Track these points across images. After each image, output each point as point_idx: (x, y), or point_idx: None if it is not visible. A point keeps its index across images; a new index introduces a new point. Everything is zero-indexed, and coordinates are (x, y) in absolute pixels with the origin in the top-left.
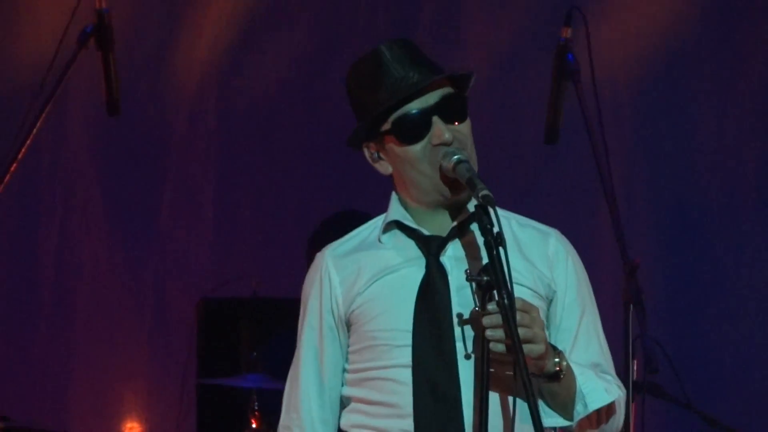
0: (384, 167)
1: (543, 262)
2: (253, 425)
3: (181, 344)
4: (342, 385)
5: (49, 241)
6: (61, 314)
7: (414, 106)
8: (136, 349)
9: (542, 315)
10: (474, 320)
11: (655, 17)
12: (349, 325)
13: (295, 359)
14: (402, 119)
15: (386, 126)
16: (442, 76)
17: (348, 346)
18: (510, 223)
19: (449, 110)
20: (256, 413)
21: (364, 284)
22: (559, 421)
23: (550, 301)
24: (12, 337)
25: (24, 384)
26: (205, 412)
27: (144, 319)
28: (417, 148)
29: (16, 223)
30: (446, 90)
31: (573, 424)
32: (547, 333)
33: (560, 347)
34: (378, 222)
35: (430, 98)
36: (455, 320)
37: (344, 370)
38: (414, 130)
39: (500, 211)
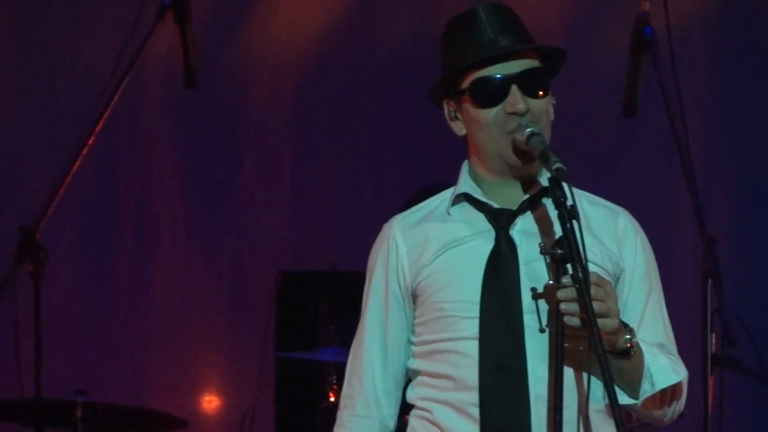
0: (458, 127)
1: (612, 239)
2: (331, 399)
3: (259, 318)
4: (408, 358)
5: (128, 215)
6: (139, 288)
7: (496, 71)
8: (215, 322)
9: None
10: (548, 294)
11: None
12: (415, 296)
13: (359, 329)
14: (481, 81)
15: (465, 84)
16: (529, 45)
17: (414, 318)
18: (580, 200)
19: (530, 82)
20: (334, 387)
21: (431, 256)
22: (625, 399)
23: (617, 279)
24: (90, 311)
25: (102, 359)
26: (283, 386)
27: (222, 293)
28: (490, 112)
29: (94, 197)
30: (532, 62)
31: (638, 402)
32: None
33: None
34: (446, 194)
35: (514, 66)
36: (523, 293)
37: (410, 342)
38: (490, 94)
39: (566, 188)
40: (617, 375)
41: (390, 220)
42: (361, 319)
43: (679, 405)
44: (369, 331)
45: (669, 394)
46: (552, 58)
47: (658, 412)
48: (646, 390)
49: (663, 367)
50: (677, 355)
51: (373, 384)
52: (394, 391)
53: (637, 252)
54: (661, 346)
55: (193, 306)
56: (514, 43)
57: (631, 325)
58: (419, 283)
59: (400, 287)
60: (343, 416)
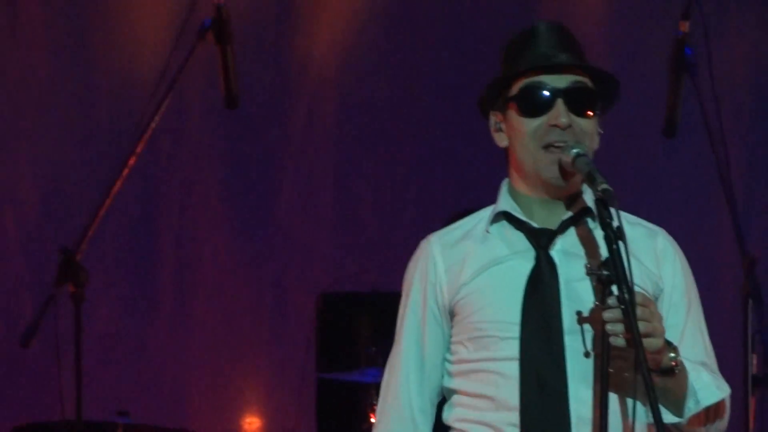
0: (501, 138)
1: (651, 259)
2: (372, 420)
3: (300, 339)
4: (443, 376)
5: (169, 236)
6: (180, 309)
7: (545, 81)
8: (256, 343)
9: None
10: (593, 316)
11: None
12: (452, 314)
13: (395, 345)
14: (528, 89)
15: (513, 92)
16: (583, 64)
17: (450, 336)
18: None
19: (577, 99)
20: (375, 408)
21: (470, 275)
22: (670, 418)
23: (656, 299)
24: (131, 332)
25: (144, 379)
26: (324, 407)
27: (263, 314)
28: (532, 123)
29: (135, 218)
30: (583, 81)
31: (683, 420)
32: None
33: None
34: (485, 213)
35: (564, 81)
36: (564, 314)
37: (446, 361)
38: (536, 103)
39: (612, 210)
40: (661, 393)
41: (428, 237)
42: (397, 335)
43: (723, 423)
44: (405, 347)
45: (713, 411)
46: (604, 84)
47: (701, 430)
48: (691, 408)
49: (707, 385)
50: (719, 373)
51: (409, 401)
52: (429, 408)
53: (676, 271)
54: (702, 364)
55: (234, 327)
56: (569, 60)
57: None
58: (457, 301)
59: (437, 304)
60: None
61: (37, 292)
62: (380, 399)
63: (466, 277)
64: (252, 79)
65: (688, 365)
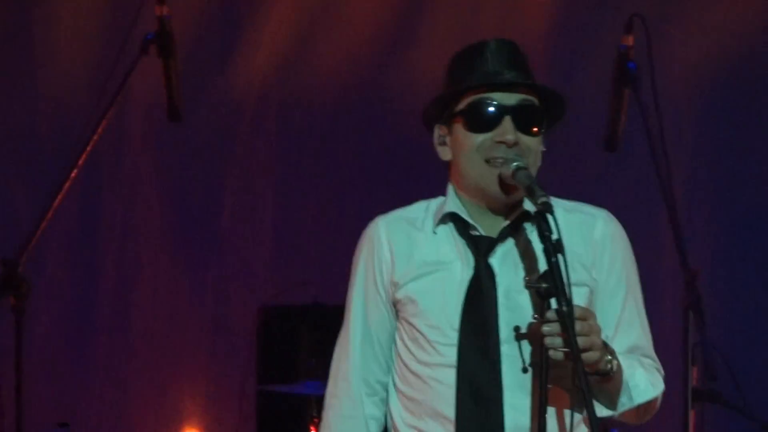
0: (445, 152)
1: (587, 247)
2: None
3: (240, 351)
4: (393, 353)
5: (110, 248)
6: (120, 320)
7: (494, 98)
8: (196, 355)
9: (584, 301)
10: (532, 329)
11: (717, 25)
12: (395, 305)
13: (343, 327)
14: (477, 105)
15: (461, 106)
16: (533, 83)
17: (396, 320)
18: (556, 209)
19: (524, 117)
20: (315, 420)
21: (414, 275)
22: (604, 412)
23: (591, 289)
24: (71, 343)
25: (84, 391)
26: (264, 419)
27: (204, 326)
28: (479, 138)
29: (76, 230)
30: (531, 100)
31: (616, 414)
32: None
33: (603, 330)
34: (432, 206)
35: (512, 98)
36: (501, 322)
37: (393, 351)
38: (483, 119)
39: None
40: (596, 391)
41: (375, 220)
42: (345, 317)
43: (655, 409)
44: (352, 328)
45: (644, 406)
46: (551, 102)
47: (633, 421)
48: (624, 403)
49: (641, 383)
50: (654, 356)
51: (359, 382)
52: (379, 388)
53: (614, 257)
54: (636, 348)
55: (175, 339)
56: (518, 78)
57: (608, 328)
58: (399, 300)
59: (383, 285)
60: (328, 417)
61: None
62: (330, 383)
63: (409, 276)
64: (195, 93)
65: (623, 362)
